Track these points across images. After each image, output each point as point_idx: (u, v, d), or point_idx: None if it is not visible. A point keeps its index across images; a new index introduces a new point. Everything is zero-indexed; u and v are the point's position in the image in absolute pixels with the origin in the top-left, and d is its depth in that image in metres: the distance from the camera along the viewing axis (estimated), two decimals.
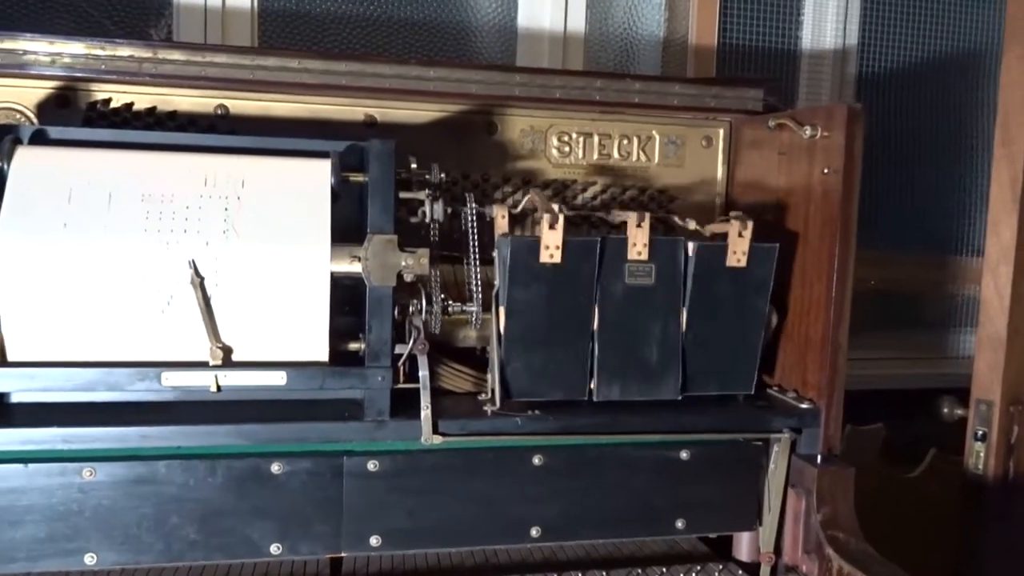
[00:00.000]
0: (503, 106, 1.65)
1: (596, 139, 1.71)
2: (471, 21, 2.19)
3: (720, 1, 2.30)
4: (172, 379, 1.20)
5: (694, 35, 2.28)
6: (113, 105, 1.50)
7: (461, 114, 1.63)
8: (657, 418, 1.38)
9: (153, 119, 1.52)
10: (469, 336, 1.46)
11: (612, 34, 2.29)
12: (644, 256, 1.33)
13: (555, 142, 1.70)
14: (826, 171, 1.44)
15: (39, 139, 1.29)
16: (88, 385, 1.19)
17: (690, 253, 1.38)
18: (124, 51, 1.45)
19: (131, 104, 1.51)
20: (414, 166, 1.37)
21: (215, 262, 1.21)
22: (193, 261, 1.20)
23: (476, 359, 1.47)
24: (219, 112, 1.55)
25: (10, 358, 1.18)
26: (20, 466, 1.17)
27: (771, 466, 1.43)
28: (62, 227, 1.18)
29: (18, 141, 1.25)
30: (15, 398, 1.25)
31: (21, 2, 1.91)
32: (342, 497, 1.26)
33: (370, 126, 1.60)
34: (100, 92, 1.50)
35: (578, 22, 2.22)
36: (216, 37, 1.98)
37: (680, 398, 1.39)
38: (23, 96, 1.47)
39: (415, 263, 1.27)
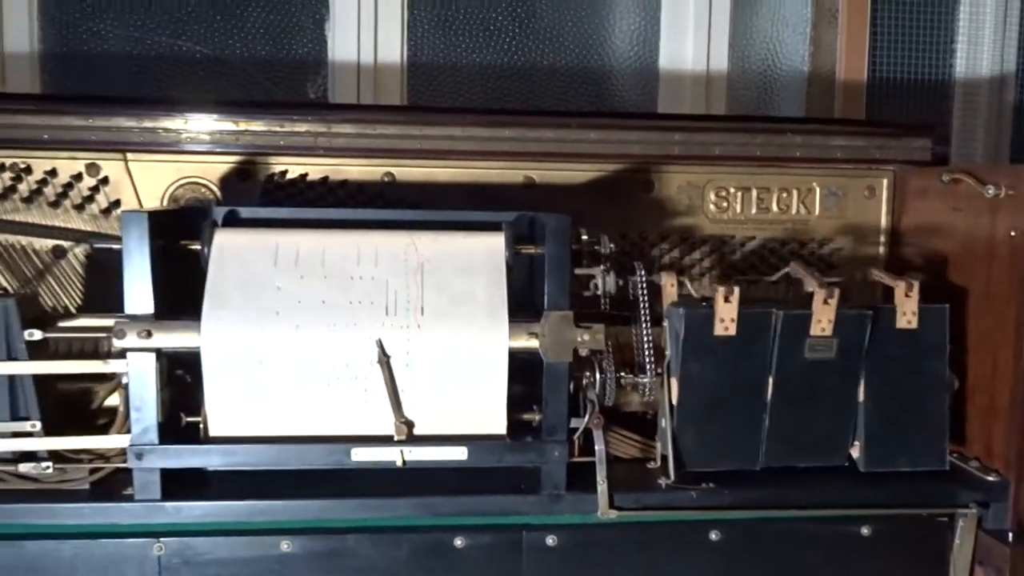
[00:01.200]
0: (661, 163, 1.64)
1: (754, 193, 1.69)
2: (612, 65, 2.19)
3: (869, 32, 2.23)
4: (360, 455, 1.25)
5: (842, 69, 2.21)
6: (289, 176, 1.57)
7: (619, 172, 1.64)
8: (835, 491, 1.34)
9: (325, 188, 1.58)
10: (633, 401, 1.46)
11: (753, 71, 2.24)
12: (828, 332, 1.30)
13: (713, 197, 1.68)
14: (1013, 233, 1.37)
15: (230, 219, 1.36)
16: (282, 460, 1.24)
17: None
18: (301, 127, 1.51)
19: (305, 175, 1.58)
20: (584, 237, 1.37)
21: (400, 342, 1.25)
22: (380, 341, 1.25)
23: (641, 424, 1.46)
24: (386, 179, 1.60)
25: (211, 433, 1.25)
26: (222, 538, 1.23)
27: (956, 542, 1.37)
28: (261, 312, 1.23)
29: (215, 224, 1.31)
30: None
31: (192, 67, 2.02)
32: (521, 571, 1.28)
33: (529, 187, 1.62)
34: (277, 164, 1.57)
35: (720, 61, 2.19)
36: (368, 92, 2.05)
37: (862, 471, 1.35)
38: (207, 171, 1.56)
39: (591, 339, 1.27)
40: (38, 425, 1.22)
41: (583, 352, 1.29)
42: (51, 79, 2.00)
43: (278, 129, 1.51)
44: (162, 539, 1.21)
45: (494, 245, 1.34)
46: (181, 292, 1.26)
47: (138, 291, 1.20)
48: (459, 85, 2.11)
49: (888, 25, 2.25)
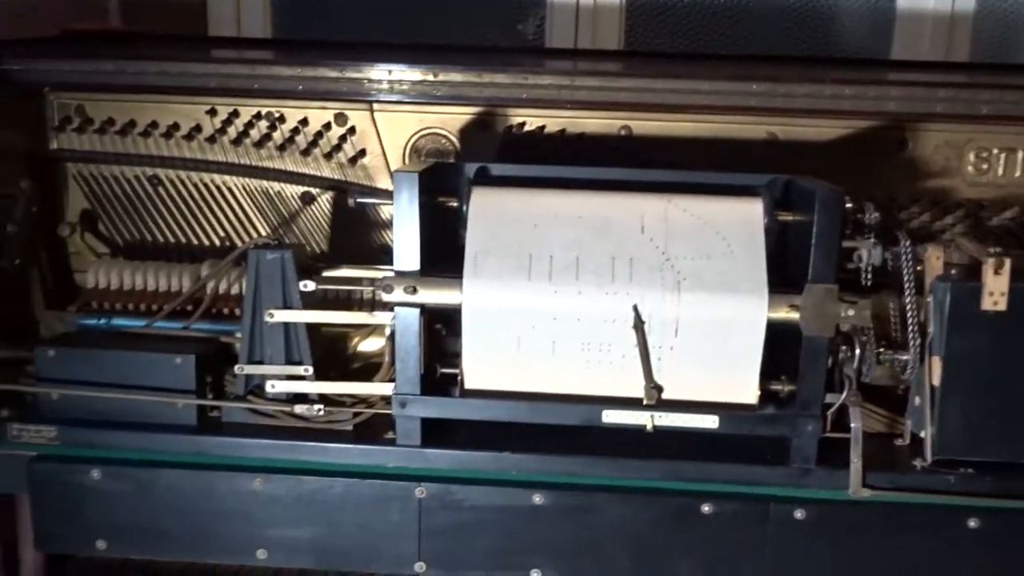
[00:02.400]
0: (919, 121, 1.53)
1: (1020, 155, 1.55)
2: (841, 4, 2.05)
3: None
4: (612, 417, 1.26)
5: None
6: (527, 128, 1.57)
7: (870, 130, 1.54)
8: None
9: (562, 141, 1.57)
10: (878, 374, 1.39)
11: (1005, 9, 2.04)
12: None
13: (972, 159, 1.55)
14: None
15: (481, 175, 1.37)
16: (535, 416, 1.27)
17: None
18: (546, 79, 1.50)
19: (543, 127, 1.57)
20: (848, 205, 1.31)
21: (656, 307, 1.24)
22: (635, 306, 1.24)
23: (884, 397, 1.40)
24: (623, 133, 1.56)
25: (467, 386, 1.29)
26: (478, 486, 1.28)
27: None
28: (519, 272, 1.25)
29: (471, 181, 1.33)
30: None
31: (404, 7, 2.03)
32: (766, 543, 1.27)
33: (771, 144, 1.55)
34: (516, 117, 1.56)
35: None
36: (587, 34, 2.01)
37: None
38: (447, 122, 1.57)
39: (856, 314, 1.22)
40: (310, 370, 1.30)
41: (844, 327, 1.24)
42: (279, 21, 2.07)
43: (522, 82, 1.49)
44: (423, 483, 1.28)
45: (752, 211, 1.29)
46: (434, 246, 1.30)
47: (406, 248, 1.24)
48: (679, 27, 2.03)
49: None
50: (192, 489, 1.29)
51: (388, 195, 1.54)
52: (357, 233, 1.60)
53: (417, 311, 1.25)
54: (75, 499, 1.29)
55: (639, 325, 1.24)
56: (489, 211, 1.30)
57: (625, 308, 1.24)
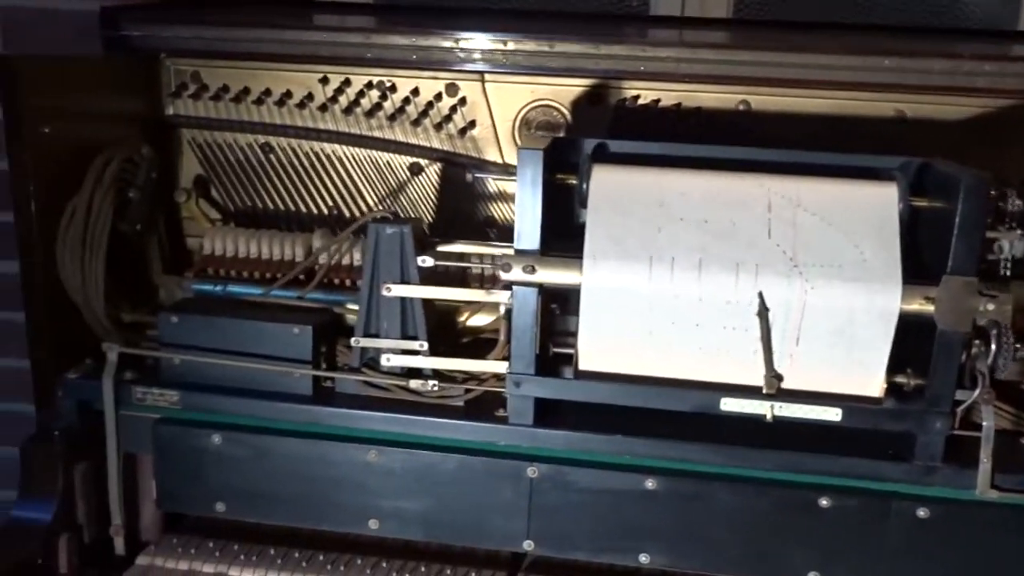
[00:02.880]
0: None
1: None
2: None
3: None
4: (730, 405, 1.24)
5: None
6: (640, 102, 1.53)
7: (1007, 109, 1.45)
8: None
9: (676, 116, 1.52)
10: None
11: None
12: None
13: None
14: None
15: (599, 152, 1.34)
16: (651, 401, 1.25)
17: None
18: (664, 52, 1.45)
19: (658, 100, 1.52)
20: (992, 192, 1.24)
21: (781, 295, 1.20)
22: (761, 292, 1.20)
23: (1009, 391, 1.35)
24: (741, 107, 1.51)
25: (581, 367, 1.28)
26: (591, 469, 1.28)
27: None
28: (640, 253, 1.22)
29: (590, 159, 1.30)
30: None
31: None
32: (886, 540, 1.24)
33: (899, 122, 1.48)
34: (630, 90, 1.52)
35: None
36: (694, 3, 1.94)
37: None
38: (559, 94, 1.54)
39: (996, 309, 1.17)
40: (425, 345, 1.30)
41: (981, 322, 1.19)
42: None
43: (640, 54, 1.45)
44: (535, 463, 1.28)
45: (886, 196, 1.24)
46: (549, 222, 1.27)
47: (527, 227, 1.22)
48: None
49: None
50: (308, 457, 1.31)
51: (504, 169, 1.54)
52: (464, 205, 1.59)
53: (535, 291, 1.24)
54: (197, 462, 1.33)
55: (763, 312, 1.21)
56: (611, 191, 1.27)
57: (749, 295, 1.21)
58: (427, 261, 1.29)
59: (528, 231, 1.23)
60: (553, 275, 1.24)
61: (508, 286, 1.25)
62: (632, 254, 1.23)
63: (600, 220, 1.25)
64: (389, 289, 1.29)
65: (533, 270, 1.23)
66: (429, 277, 1.33)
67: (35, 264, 1.32)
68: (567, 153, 1.33)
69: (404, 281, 1.29)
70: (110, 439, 1.33)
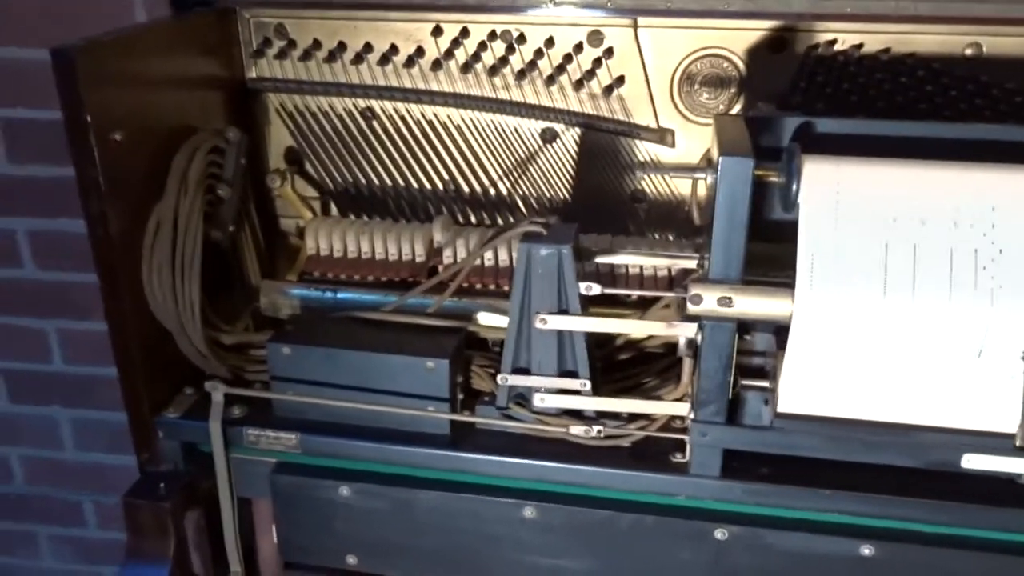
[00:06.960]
0: None
1: None
2: None
3: None
4: (974, 462, 1.00)
5: None
6: (837, 48, 1.21)
7: None
8: None
9: (881, 64, 1.20)
10: None
11: None
12: None
13: None
14: None
15: (805, 135, 1.05)
16: (868, 456, 1.02)
17: None
18: None
19: (860, 45, 1.20)
20: None
21: None
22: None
23: None
24: (969, 52, 1.18)
25: (779, 409, 1.04)
26: (789, 532, 1.06)
27: None
28: (868, 279, 0.95)
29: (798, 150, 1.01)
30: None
31: None
32: None
33: None
34: (823, 32, 1.20)
35: None
36: None
37: None
38: (731, 40, 1.23)
39: None
40: (588, 384, 1.07)
41: None
42: None
43: None
44: (723, 523, 1.07)
45: None
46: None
47: (728, 252, 0.96)
48: None
49: None
50: (452, 511, 1.12)
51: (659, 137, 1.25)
52: (608, 178, 1.31)
53: (732, 326, 0.99)
54: (323, 514, 1.15)
55: None
56: (828, 197, 0.98)
57: (1008, 333, 0.94)
58: (593, 289, 1.04)
59: (728, 257, 0.96)
60: (755, 305, 0.98)
61: (695, 317, 1.01)
62: (857, 279, 0.96)
63: (816, 232, 0.97)
64: (544, 321, 1.05)
65: (730, 303, 0.98)
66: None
67: (119, 287, 1.11)
68: (762, 134, 1.05)
69: (562, 310, 1.05)
70: (222, 488, 1.16)
